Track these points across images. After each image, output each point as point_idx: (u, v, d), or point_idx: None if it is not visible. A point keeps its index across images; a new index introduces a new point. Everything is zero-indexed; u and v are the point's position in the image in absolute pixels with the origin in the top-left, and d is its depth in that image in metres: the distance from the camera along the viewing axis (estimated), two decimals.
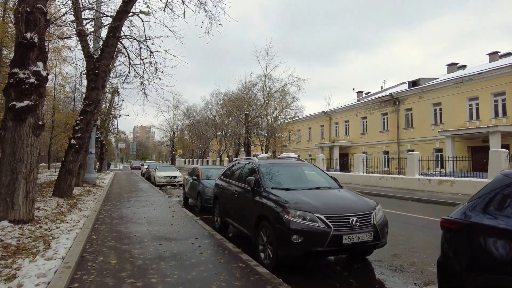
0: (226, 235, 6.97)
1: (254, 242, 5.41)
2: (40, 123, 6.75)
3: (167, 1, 11.68)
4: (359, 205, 4.93)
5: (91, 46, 13.71)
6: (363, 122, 34.73)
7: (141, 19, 11.76)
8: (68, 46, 16.23)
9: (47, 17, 7.40)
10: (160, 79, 12.25)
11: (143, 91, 12.69)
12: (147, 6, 11.55)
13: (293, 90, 42.67)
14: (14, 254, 4.52)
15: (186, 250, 5.43)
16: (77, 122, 11.39)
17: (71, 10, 9.71)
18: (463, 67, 30.27)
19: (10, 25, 13.11)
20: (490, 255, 2.56)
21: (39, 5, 6.84)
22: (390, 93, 31.04)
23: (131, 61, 12.48)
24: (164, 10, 11.83)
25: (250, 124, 34.91)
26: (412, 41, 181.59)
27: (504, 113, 22.13)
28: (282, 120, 39.51)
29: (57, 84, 27.24)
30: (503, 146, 19.55)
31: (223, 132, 49.88)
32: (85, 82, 14.14)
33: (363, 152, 28.86)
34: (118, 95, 24.87)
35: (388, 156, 30.38)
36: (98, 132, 23.59)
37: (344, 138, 37.28)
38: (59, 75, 26.57)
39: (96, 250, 5.31)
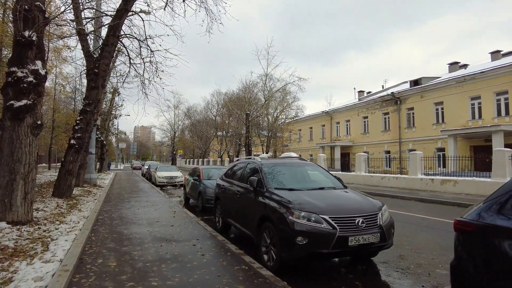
0: (227, 236, 6.85)
1: (256, 244, 5.29)
2: (39, 122, 6.64)
3: (167, 0, 11.58)
4: (365, 206, 4.81)
5: (91, 46, 13.61)
6: (365, 121, 34.59)
7: (142, 18, 11.69)
8: (68, 46, 16.16)
9: (46, 15, 7.29)
10: (160, 78, 12.14)
11: (144, 90, 12.62)
12: (148, 5, 11.47)
13: (294, 89, 42.57)
14: (11, 257, 4.40)
15: (188, 252, 5.31)
16: (77, 122, 11.28)
17: (70, 7, 9.58)
18: (465, 66, 30.12)
19: (10, 24, 13.02)
20: (507, 258, 2.44)
21: (37, 3, 6.73)
22: (392, 93, 30.90)
23: (131, 60, 12.41)
24: (164, 9, 11.73)
25: (251, 124, 34.80)
26: (412, 41, 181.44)
27: (507, 112, 21.98)
28: (283, 120, 39.39)
29: (58, 84, 27.23)
30: (506, 146, 19.38)
31: (224, 132, 49.78)
32: (85, 82, 14.04)
33: (365, 152, 28.65)
34: (118, 95, 24.79)
35: (389, 155, 30.26)
36: (98, 132, 23.50)
37: (345, 137, 37.14)
38: (59, 75, 26.57)
39: (96, 252, 5.20)
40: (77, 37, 13.02)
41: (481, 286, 2.61)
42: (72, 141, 10.93)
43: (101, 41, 12.45)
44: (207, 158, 55.56)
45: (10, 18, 12.63)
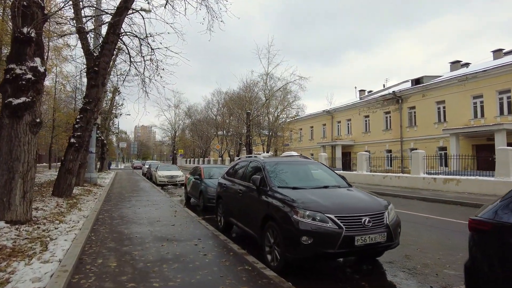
0: (229, 236, 6.74)
1: (260, 243, 5.18)
2: (38, 120, 6.53)
3: None
4: (371, 205, 4.69)
5: (91, 44, 13.51)
6: (366, 120, 34.46)
7: (142, 16, 11.58)
8: (68, 44, 16.07)
9: (45, 12, 7.18)
10: (161, 77, 12.03)
11: (144, 89, 12.51)
12: (148, 2, 11.35)
13: (294, 88, 42.50)
14: (9, 257, 4.30)
15: (189, 251, 5.20)
16: (77, 120, 11.18)
17: (70, 4, 9.47)
18: (467, 65, 29.99)
19: (10, 23, 12.92)
20: None
21: None
22: (393, 92, 30.76)
23: (131, 59, 12.30)
24: (165, 7, 11.62)
25: (252, 123, 34.68)
26: (413, 41, 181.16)
27: (510, 111, 21.85)
28: (283, 119, 39.26)
29: (58, 83, 27.14)
30: (509, 144, 19.27)
31: (225, 131, 49.66)
32: (85, 81, 13.94)
33: (366, 151, 28.55)
34: (119, 94, 24.68)
35: (391, 155, 30.15)
36: (99, 132, 23.40)
37: (347, 137, 37.02)
38: (59, 74, 26.49)
39: (95, 252, 5.09)
40: (77, 35, 12.93)
41: (496, 286, 2.50)
42: (72, 140, 10.83)
43: (101, 39, 12.35)
44: (208, 157, 55.48)
45: (10, 16, 12.54)
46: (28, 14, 6.48)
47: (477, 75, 23.31)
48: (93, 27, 14.12)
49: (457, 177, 15.15)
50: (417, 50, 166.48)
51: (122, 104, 31.38)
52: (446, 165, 22.25)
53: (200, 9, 11.78)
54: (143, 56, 11.91)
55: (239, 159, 8.15)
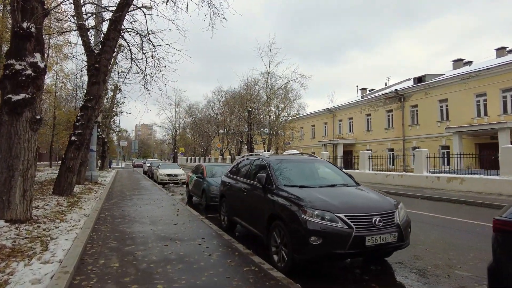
0: (234, 235, 6.61)
1: (266, 243, 5.04)
2: (38, 117, 6.39)
3: None
4: (381, 204, 4.56)
5: (92, 41, 13.37)
6: (368, 119, 34.29)
7: (143, 13, 11.44)
8: (69, 41, 15.91)
9: (45, 7, 7.04)
10: (163, 74, 11.89)
11: (146, 86, 12.38)
12: None
13: (296, 87, 42.21)
14: (8, 257, 4.17)
15: (194, 251, 5.07)
16: (78, 118, 11.05)
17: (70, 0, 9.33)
18: (469, 63, 29.78)
19: (10, 20, 12.78)
20: None
21: None
22: (395, 90, 30.57)
23: (133, 56, 12.16)
24: (166, 4, 11.45)
25: (253, 121, 34.49)
26: (414, 40, 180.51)
27: None
28: (284, 118, 39.07)
29: (59, 81, 27.03)
30: None
31: (225, 130, 49.49)
32: (86, 79, 13.81)
33: (368, 150, 28.42)
34: (120, 92, 24.51)
35: (393, 153, 29.97)
36: (99, 130, 23.28)
37: (348, 135, 36.86)
38: (60, 72, 26.37)
39: (97, 252, 4.95)
40: (77, 32, 12.78)
41: None
42: (73, 138, 10.70)
43: (102, 36, 12.21)
44: (209, 156, 55.33)
45: (9, 11, 12.39)
46: (28, 9, 6.33)
47: (481, 73, 23.12)
48: (94, 24, 13.99)
49: (461, 175, 15.00)
50: (419, 49, 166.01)
51: (123, 102, 31.25)
52: (448, 164, 22.10)
53: (202, 6, 11.66)
54: (145, 53, 11.78)
55: (243, 157, 8.01)
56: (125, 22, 11.62)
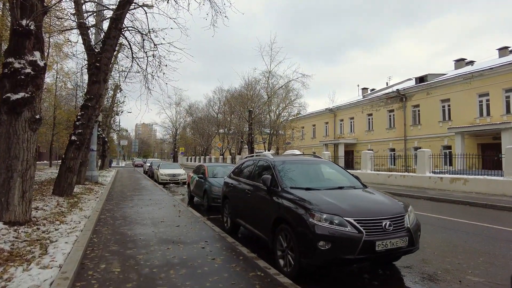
0: (237, 237, 6.49)
1: (271, 247, 4.90)
2: (37, 117, 6.26)
3: None
4: (391, 207, 4.42)
5: (92, 40, 13.23)
6: (369, 119, 34.15)
7: (145, 11, 11.30)
8: (69, 40, 15.78)
9: (44, 4, 6.90)
10: (164, 73, 11.75)
11: (147, 85, 12.25)
12: None
13: (297, 86, 42.14)
14: (6, 262, 4.04)
15: (197, 255, 4.93)
16: (78, 117, 10.91)
17: None
18: (471, 62, 29.64)
19: (9, 18, 12.64)
20: None
21: None
22: (397, 89, 30.43)
23: (134, 55, 12.03)
24: (168, 2, 11.32)
25: (253, 121, 34.35)
26: (414, 40, 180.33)
27: None
28: (285, 117, 38.93)
29: (59, 80, 26.89)
30: None
31: (226, 129, 49.35)
32: (86, 78, 13.69)
33: (369, 150, 28.28)
34: (120, 91, 24.39)
35: (394, 153, 29.84)
36: (100, 129, 23.15)
37: (349, 135, 36.72)
38: (60, 72, 26.24)
39: (98, 256, 4.82)
40: (78, 31, 12.65)
41: None
42: (73, 137, 10.57)
43: (103, 34, 12.08)
44: (209, 155, 55.20)
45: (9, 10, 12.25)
46: (27, 6, 6.20)
47: (484, 73, 22.97)
48: (94, 22, 13.86)
49: (465, 176, 14.86)
50: (419, 49, 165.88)
51: (123, 102, 31.09)
52: (450, 164, 21.97)
53: (203, 4, 11.51)
54: (146, 52, 11.65)
55: (246, 157, 7.87)
56: (126, 21, 11.51)
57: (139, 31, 11.56)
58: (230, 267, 4.45)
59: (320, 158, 6.84)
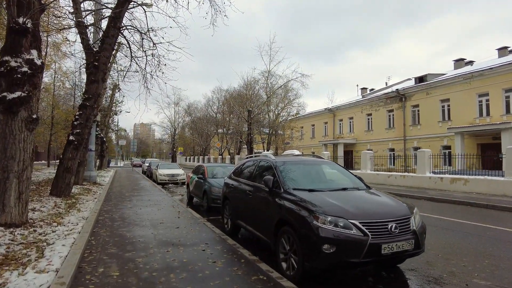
0: (237, 239, 6.37)
1: (273, 249, 4.80)
2: (34, 116, 6.14)
3: None
4: (396, 209, 4.32)
5: (91, 39, 13.09)
6: (368, 119, 34.09)
7: (144, 10, 11.18)
8: (67, 39, 15.64)
9: (42, 1, 6.77)
10: (163, 72, 11.63)
11: (145, 85, 12.12)
12: None
13: (296, 86, 41.95)
14: (1, 265, 3.92)
15: (197, 258, 4.82)
16: (76, 117, 10.77)
17: None
18: (471, 62, 29.61)
19: (6, 16, 12.49)
20: None
21: None
22: (397, 89, 30.37)
23: (132, 54, 11.90)
24: (167, 1, 11.20)
25: (252, 121, 34.23)
26: (414, 40, 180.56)
27: None
28: (284, 117, 38.82)
29: (57, 80, 26.73)
30: None
31: (225, 129, 49.22)
32: (85, 77, 13.55)
33: (368, 150, 28.23)
34: (119, 90, 24.21)
35: (393, 153, 29.79)
36: (98, 129, 23.00)
37: (349, 135, 36.66)
38: (58, 71, 26.08)
39: (96, 259, 4.70)
40: (76, 30, 12.51)
41: None
42: (71, 137, 10.44)
43: (101, 33, 11.95)
44: (208, 155, 55.06)
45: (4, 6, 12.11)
46: (24, 3, 6.08)
47: (483, 73, 22.92)
48: (92, 21, 13.72)
49: (465, 176, 14.80)
50: (419, 49, 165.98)
51: (122, 101, 30.91)
52: (450, 164, 21.93)
53: (203, 3, 11.39)
54: (145, 51, 11.54)
55: (246, 158, 7.76)
56: (124, 20, 11.39)
57: (138, 30, 11.44)
58: (231, 270, 4.34)
59: (322, 158, 6.75)
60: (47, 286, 3.44)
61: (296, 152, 19.34)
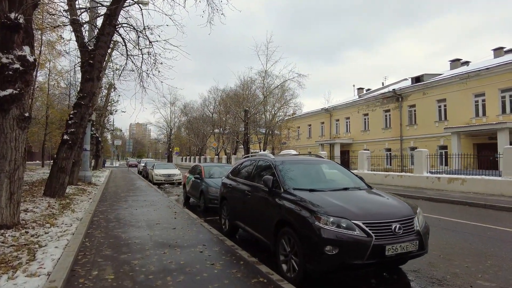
0: (235, 240, 6.25)
1: (273, 251, 4.68)
2: (26, 114, 5.97)
3: None
4: (400, 209, 4.22)
5: (86, 37, 12.90)
6: (365, 119, 34.10)
7: (140, 8, 11.02)
8: (61, 36, 15.41)
9: None
10: (159, 71, 11.49)
11: (141, 83, 11.95)
12: None
13: (293, 86, 42.00)
14: None
15: (195, 260, 4.69)
16: (71, 116, 10.57)
17: None
18: (467, 63, 29.73)
19: None
20: None
21: None
22: (393, 89, 30.39)
23: (128, 52, 11.72)
24: None
25: (249, 121, 34.09)
26: (411, 40, 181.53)
27: None
28: (281, 117, 38.72)
29: (51, 79, 26.39)
30: None
31: (221, 129, 49.02)
32: (80, 77, 13.35)
33: (365, 150, 28.20)
34: (114, 90, 23.97)
35: (390, 153, 29.82)
36: (93, 129, 22.74)
37: (345, 135, 36.64)
38: (53, 70, 25.75)
39: (90, 262, 4.55)
40: (71, 28, 12.30)
41: None
42: (66, 137, 10.23)
43: (97, 31, 11.76)
44: (204, 155, 54.83)
45: None
46: None
47: (480, 73, 22.99)
48: (87, 19, 13.52)
49: (462, 176, 14.79)
50: (418, 49, 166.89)
51: (117, 101, 30.63)
52: (446, 164, 21.96)
53: (200, 1, 11.24)
54: (141, 49, 11.36)
55: (244, 157, 7.64)
56: (120, 18, 11.21)
57: (134, 28, 11.27)
58: (230, 272, 4.21)
59: (322, 157, 6.64)
60: None
61: (293, 152, 19.21)
